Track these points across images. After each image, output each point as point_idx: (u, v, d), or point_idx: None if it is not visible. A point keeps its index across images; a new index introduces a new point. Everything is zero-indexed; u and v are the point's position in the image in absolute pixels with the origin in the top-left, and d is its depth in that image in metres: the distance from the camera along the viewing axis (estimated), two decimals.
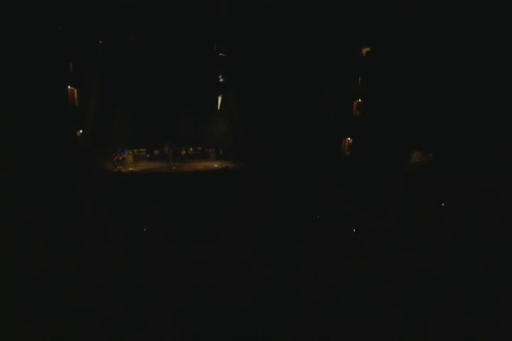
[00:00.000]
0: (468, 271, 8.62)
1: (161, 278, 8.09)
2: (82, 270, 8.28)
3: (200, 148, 25.68)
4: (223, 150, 25.74)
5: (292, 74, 23.26)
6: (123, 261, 8.78)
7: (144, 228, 10.93)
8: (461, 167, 17.68)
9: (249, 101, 24.47)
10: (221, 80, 25.61)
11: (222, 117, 25.47)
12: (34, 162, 16.83)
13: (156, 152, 24.69)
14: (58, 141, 19.34)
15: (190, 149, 25.19)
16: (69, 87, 21.27)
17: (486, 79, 18.82)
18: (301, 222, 11.64)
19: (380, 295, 7.75)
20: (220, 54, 24.85)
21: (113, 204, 13.03)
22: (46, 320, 6.75)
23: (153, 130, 23.59)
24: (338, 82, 23.02)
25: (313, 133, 23.10)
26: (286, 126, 23.51)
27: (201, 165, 23.09)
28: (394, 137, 21.22)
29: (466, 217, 11.92)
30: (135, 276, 8.22)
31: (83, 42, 20.91)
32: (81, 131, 22.08)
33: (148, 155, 24.56)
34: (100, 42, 22.08)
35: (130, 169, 21.39)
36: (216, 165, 23.04)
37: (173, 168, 22.06)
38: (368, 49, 22.91)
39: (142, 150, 24.46)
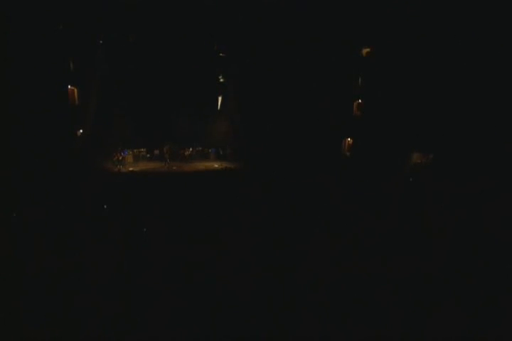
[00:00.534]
0: (468, 271, 8.62)
1: (161, 278, 8.09)
2: (82, 270, 8.28)
3: (200, 148, 25.70)
4: (223, 150, 25.76)
5: (292, 75, 23.27)
6: (123, 261, 8.78)
7: (144, 228, 10.93)
8: (461, 167, 17.68)
9: (249, 101, 24.47)
10: (221, 80, 25.63)
11: (222, 117, 25.47)
12: (34, 161, 16.82)
13: (156, 152, 24.73)
14: (58, 141, 19.34)
15: (191, 149, 25.21)
16: (69, 86, 21.28)
17: (486, 80, 18.82)
18: (301, 222, 11.64)
19: (380, 295, 7.75)
20: (220, 54, 24.87)
21: (113, 204, 13.04)
22: (46, 320, 6.74)
23: (154, 130, 23.60)
24: (338, 82, 23.03)
25: (313, 134, 23.11)
26: (286, 126, 23.52)
27: (201, 165, 23.11)
28: (394, 137, 21.21)
29: (466, 217, 11.92)
30: (135, 276, 8.22)
31: (83, 42, 20.93)
32: (81, 131, 22.09)
33: (148, 155, 24.59)
34: (100, 42, 22.10)
35: (130, 169, 21.39)
36: (216, 165, 23.06)
37: (174, 168, 22.08)
38: (368, 49, 22.94)
39: (142, 150, 24.51)
